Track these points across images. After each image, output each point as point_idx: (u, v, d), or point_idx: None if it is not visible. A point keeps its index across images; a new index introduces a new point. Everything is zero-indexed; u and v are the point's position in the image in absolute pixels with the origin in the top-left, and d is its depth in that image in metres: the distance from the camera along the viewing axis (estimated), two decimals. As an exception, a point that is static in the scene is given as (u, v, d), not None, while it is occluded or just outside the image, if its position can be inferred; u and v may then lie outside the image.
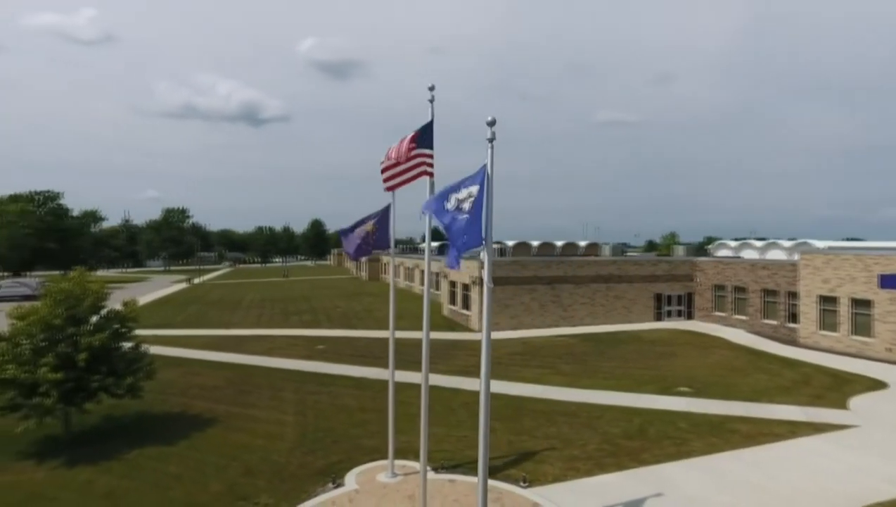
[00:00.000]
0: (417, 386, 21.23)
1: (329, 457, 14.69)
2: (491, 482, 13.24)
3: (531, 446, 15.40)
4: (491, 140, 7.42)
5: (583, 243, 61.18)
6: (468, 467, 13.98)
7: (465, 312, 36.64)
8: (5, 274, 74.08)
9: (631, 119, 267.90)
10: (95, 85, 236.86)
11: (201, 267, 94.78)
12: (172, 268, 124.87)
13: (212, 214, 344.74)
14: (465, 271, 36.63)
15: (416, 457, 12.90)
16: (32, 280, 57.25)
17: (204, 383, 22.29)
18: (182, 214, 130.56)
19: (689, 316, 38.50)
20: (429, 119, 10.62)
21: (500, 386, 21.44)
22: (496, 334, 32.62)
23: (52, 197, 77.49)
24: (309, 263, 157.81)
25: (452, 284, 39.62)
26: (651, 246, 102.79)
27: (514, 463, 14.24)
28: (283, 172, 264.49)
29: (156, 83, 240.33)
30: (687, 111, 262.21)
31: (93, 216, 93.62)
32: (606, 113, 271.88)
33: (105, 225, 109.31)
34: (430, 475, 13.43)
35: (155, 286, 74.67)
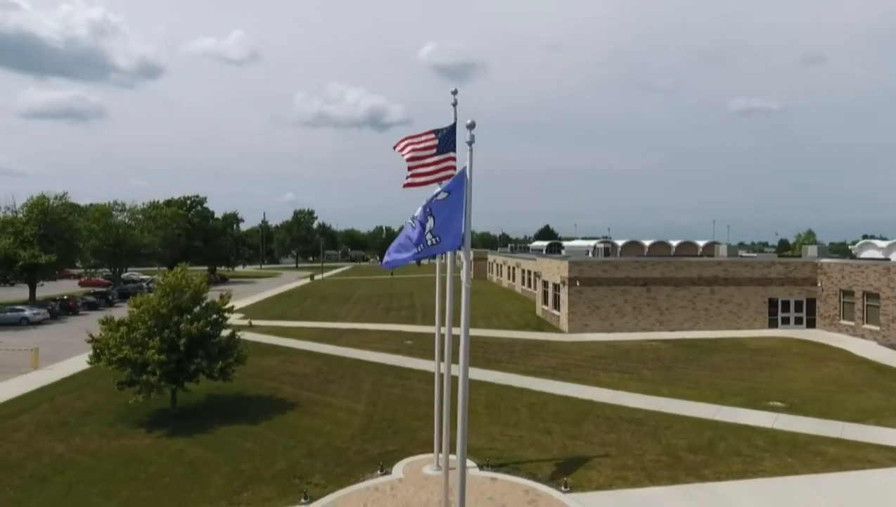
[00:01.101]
0: (486, 384, 21.68)
1: (386, 446, 15.55)
2: (531, 484, 13.30)
3: (584, 451, 15.12)
4: (470, 143, 7.63)
5: (701, 243, 57.21)
6: (514, 466, 14.13)
7: (555, 312, 36.11)
8: (160, 269, 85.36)
9: (772, 106, 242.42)
10: (242, 99, 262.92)
11: (323, 264, 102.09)
12: (301, 265, 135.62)
13: (339, 215, 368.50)
14: (556, 271, 36.09)
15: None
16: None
17: (296, 371, 24.37)
18: (310, 214, 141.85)
19: (812, 324, 34.65)
20: (452, 122, 10.94)
21: (571, 389, 21.09)
22: (584, 337, 31.77)
23: (198, 201, 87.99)
24: (425, 260, 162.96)
25: (545, 284, 39.19)
26: (783, 246, 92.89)
27: (561, 467, 14.11)
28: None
29: (293, 95, 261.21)
30: (839, 95, 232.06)
31: (234, 218, 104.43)
32: (743, 101, 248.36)
33: (244, 226, 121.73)
34: (474, 471, 13.78)
35: (282, 281, 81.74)
